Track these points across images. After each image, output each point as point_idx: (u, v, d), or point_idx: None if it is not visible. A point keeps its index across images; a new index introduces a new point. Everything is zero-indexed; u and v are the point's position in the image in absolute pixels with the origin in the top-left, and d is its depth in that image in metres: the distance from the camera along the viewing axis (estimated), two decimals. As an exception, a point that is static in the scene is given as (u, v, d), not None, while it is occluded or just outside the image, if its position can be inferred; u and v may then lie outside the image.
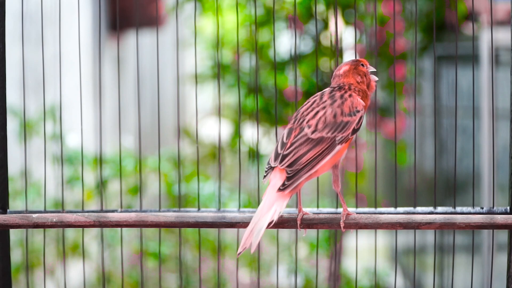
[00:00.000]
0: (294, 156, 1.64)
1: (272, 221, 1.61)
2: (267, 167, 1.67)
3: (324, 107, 1.69)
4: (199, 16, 4.51)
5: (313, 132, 1.66)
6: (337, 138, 1.66)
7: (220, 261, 3.09)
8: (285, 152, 1.65)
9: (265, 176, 1.67)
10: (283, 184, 1.62)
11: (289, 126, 1.70)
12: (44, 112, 1.95)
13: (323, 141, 1.65)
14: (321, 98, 1.71)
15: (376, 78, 1.76)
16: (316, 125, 1.67)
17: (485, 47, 3.58)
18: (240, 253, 1.59)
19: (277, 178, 1.64)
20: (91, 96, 4.87)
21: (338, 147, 1.66)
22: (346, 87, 1.72)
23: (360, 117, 1.68)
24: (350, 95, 1.70)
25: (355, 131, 1.67)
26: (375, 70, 1.77)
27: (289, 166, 1.64)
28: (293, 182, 1.62)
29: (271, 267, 4.23)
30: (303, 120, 1.68)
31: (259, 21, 4.15)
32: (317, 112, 1.68)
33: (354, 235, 4.65)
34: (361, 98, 1.72)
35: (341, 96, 1.70)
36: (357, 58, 1.78)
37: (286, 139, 1.68)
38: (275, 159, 1.66)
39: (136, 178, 3.79)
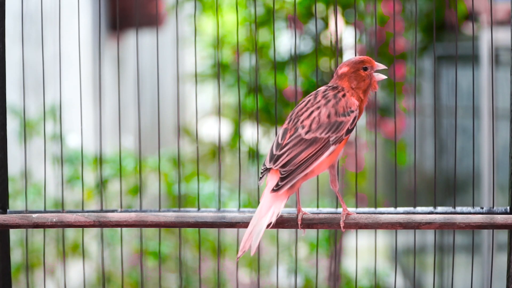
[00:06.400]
0: (288, 157, 1.63)
1: (271, 223, 1.60)
2: (263, 168, 1.66)
3: (318, 107, 1.67)
4: (199, 15, 4.52)
5: (307, 133, 1.65)
6: (331, 139, 1.65)
7: (220, 261, 3.09)
8: (279, 153, 1.64)
9: (261, 178, 1.66)
10: (277, 185, 1.61)
11: (284, 126, 1.69)
12: (44, 112, 1.95)
13: (317, 142, 1.64)
14: (315, 97, 1.69)
15: (383, 77, 1.71)
16: (310, 125, 1.66)
17: (485, 47, 3.57)
18: (239, 256, 1.58)
19: (273, 180, 1.63)
20: (91, 96, 4.87)
21: (332, 148, 1.65)
22: (340, 88, 1.70)
23: (354, 117, 1.67)
24: (344, 95, 1.68)
25: (349, 131, 1.66)
26: (384, 67, 1.72)
27: (282, 166, 1.62)
28: (287, 183, 1.61)
29: (271, 267, 4.23)
30: (298, 120, 1.67)
31: (259, 21, 4.15)
32: (312, 112, 1.67)
33: (354, 235, 4.65)
34: (356, 99, 1.70)
35: (335, 96, 1.68)
36: (362, 57, 1.73)
37: (281, 139, 1.67)
38: (270, 160, 1.65)
39: (136, 178, 3.79)
